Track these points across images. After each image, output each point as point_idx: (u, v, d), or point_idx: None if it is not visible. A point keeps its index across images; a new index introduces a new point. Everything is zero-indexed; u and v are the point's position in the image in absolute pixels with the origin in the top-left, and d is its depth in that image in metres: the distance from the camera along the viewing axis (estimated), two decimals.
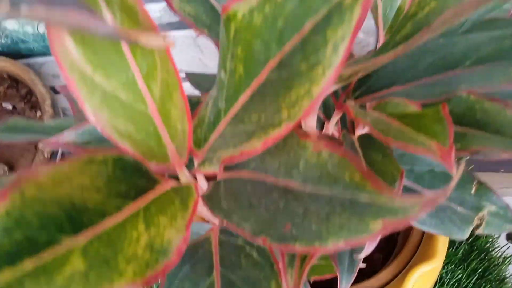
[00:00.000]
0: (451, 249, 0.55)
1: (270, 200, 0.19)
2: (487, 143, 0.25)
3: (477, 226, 0.30)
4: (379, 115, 0.25)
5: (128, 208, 0.19)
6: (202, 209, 0.28)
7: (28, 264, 0.13)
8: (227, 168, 0.23)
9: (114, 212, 0.18)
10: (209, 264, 0.23)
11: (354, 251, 0.29)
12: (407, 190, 0.32)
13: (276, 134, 0.18)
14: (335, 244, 0.15)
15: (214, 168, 0.22)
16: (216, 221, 0.29)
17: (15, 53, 0.57)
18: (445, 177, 0.31)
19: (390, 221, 0.15)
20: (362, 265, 0.31)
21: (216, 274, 0.23)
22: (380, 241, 0.47)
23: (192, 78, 0.39)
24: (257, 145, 0.18)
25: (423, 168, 0.31)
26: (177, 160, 0.23)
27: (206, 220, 0.34)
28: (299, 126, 0.18)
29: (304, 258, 0.19)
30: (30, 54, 0.57)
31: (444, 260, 0.54)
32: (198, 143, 0.24)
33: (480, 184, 0.30)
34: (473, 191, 0.30)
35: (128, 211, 0.18)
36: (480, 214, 0.30)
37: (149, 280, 0.15)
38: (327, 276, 0.32)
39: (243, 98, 0.19)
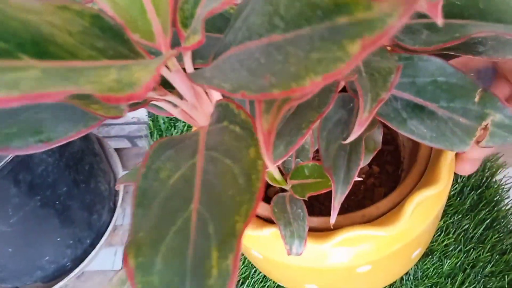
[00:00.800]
0: (458, 199, 0.53)
1: (252, 60, 0.18)
2: (486, 30, 0.23)
3: (481, 139, 0.29)
4: None
5: (102, 61, 0.18)
6: (193, 113, 0.27)
7: None
8: (214, 58, 0.22)
9: (86, 59, 0.17)
10: (194, 149, 0.23)
11: (346, 138, 0.28)
12: (409, 104, 0.31)
13: None
14: (313, 81, 0.15)
15: (198, 37, 0.21)
16: (206, 122, 0.28)
17: None
18: (448, 87, 0.29)
19: (368, 39, 0.14)
20: (358, 178, 0.30)
21: (200, 156, 0.22)
22: (382, 176, 0.46)
23: None
24: None
25: (426, 79, 0.30)
26: (163, 38, 0.23)
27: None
28: None
29: (282, 104, 0.18)
30: None
31: (451, 210, 0.53)
32: (185, 22, 0.23)
33: (485, 91, 0.28)
34: (476, 99, 0.28)
35: (102, 63, 0.18)
36: (483, 123, 0.28)
37: (108, 98, 0.14)
38: (323, 190, 0.31)
39: None
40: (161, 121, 0.72)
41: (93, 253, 0.61)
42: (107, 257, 0.64)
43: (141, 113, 0.79)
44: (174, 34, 0.23)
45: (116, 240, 0.65)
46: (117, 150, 0.73)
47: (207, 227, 0.16)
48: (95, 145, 0.62)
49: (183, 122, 0.72)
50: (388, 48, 0.30)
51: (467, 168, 0.35)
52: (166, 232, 0.17)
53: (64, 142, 0.22)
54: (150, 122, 0.72)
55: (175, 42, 0.23)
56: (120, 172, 0.70)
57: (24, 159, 0.46)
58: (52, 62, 0.15)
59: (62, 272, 0.60)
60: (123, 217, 0.68)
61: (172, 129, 0.71)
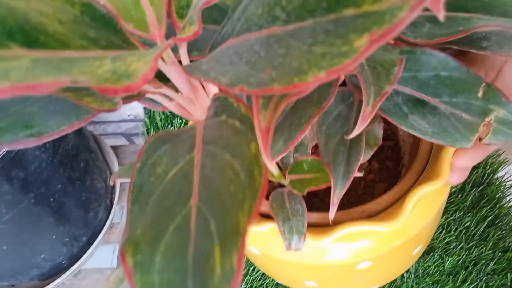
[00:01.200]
0: (459, 196, 0.53)
1: (252, 53, 0.17)
2: (491, 23, 0.23)
3: (483, 135, 0.28)
4: None
5: (95, 51, 0.17)
6: (189, 107, 0.26)
7: None
8: (211, 50, 0.22)
9: (78, 49, 0.16)
10: (191, 144, 0.22)
11: (346, 133, 0.28)
12: (411, 99, 0.30)
13: None
14: (316, 76, 0.14)
15: (194, 28, 0.20)
16: (203, 117, 0.28)
17: None
18: (451, 82, 0.29)
19: (376, 34, 0.13)
20: (358, 174, 0.30)
21: (198, 151, 0.21)
22: (382, 172, 0.45)
23: None
24: None
25: (428, 73, 0.29)
26: (157, 29, 0.22)
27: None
28: None
29: (280, 100, 0.17)
30: None
31: (452, 207, 0.53)
32: (181, 12, 0.22)
33: (489, 86, 0.27)
34: (480, 94, 0.28)
35: (94, 53, 0.17)
36: (487, 119, 0.28)
37: (105, 90, 0.14)
38: (322, 186, 0.30)
39: None
40: (158, 118, 0.71)
41: (89, 250, 0.60)
42: (105, 255, 0.64)
43: (138, 111, 0.79)
44: (169, 25, 0.23)
45: (114, 238, 0.64)
46: (114, 147, 0.72)
47: (208, 224, 0.15)
48: (90, 142, 0.61)
49: (180, 119, 0.71)
50: (392, 41, 0.29)
51: (455, 178, 0.34)
52: (165, 229, 0.16)
53: (56, 136, 0.22)
54: (147, 120, 0.72)
55: (170, 34, 0.23)
56: (117, 170, 0.69)
57: (17, 156, 0.45)
58: (43, 51, 0.15)
59: (58, 270, 0.60)
60: (120, 215, 0.67)
61: (169, 126, 0.71)
